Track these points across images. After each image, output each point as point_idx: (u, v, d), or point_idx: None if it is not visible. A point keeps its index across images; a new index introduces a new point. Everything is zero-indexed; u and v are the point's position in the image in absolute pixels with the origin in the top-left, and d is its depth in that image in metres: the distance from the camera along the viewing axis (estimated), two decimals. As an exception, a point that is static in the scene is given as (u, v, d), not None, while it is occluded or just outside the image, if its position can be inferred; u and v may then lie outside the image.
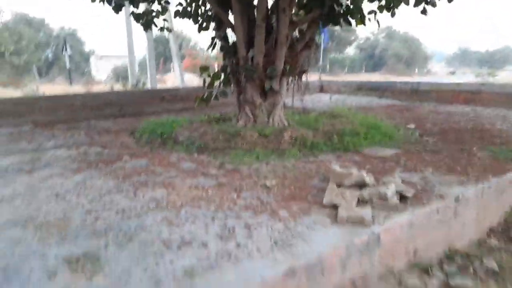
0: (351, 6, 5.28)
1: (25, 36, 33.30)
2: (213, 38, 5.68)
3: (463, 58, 78.51)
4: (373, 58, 53.46)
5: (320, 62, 13.25)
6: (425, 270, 2.63)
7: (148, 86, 12.88)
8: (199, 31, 5.96)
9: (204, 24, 5.87)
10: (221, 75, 5.86)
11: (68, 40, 44.55)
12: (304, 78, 6.32)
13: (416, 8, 5.45)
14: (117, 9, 6.03)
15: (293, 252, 2.03)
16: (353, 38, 50.16)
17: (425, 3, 5.51)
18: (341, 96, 10.23)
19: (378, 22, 5.39)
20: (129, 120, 6.91)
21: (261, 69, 5.31)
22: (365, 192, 2.72)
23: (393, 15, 6.08)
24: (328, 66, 45.99)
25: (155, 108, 7.89)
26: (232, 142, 4.66)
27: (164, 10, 6.72)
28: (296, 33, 5.97)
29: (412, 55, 53.07)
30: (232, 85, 5.85)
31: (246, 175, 3.42)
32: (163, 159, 4.00)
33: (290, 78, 6.09)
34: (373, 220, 2.41)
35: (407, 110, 7.74)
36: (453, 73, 49.44)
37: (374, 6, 5.61)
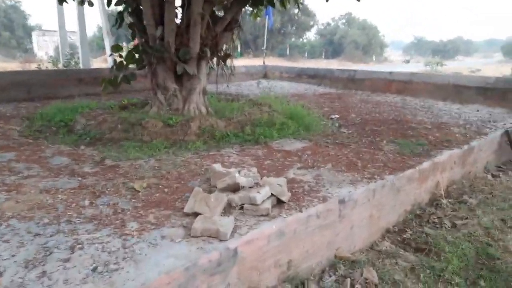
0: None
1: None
2: (120, 13, 5.05)
3: (419, 47, 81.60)
4: (332, 44, 54.00)
5: (264, 46, 12.86)
6: (301, 284, 2.38)
7: (80, 66, 11.86)
8: (108, 5, 5.31)
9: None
10: (134, 56, 5.29)
11: (9, 13, 40.92)
12: (229, 62, 5.91)
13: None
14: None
15: (112, 281, 1.64)
16: (312, 23, 50.16)
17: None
18: (280, 83, 9.95)
19: (298, 4, 5.04)
20: (34, 105, 6.16)
21: (172, 50, 4.82)
22: (236, 197, 2.39)
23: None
24: (288, 51, 45.87)
25: (70, 91, 7.14)
26: (131, 133, 4.18)
27: None
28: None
29: (369, 42, 54.17)
30: (146, 67, 5.32)
31: (121, 173, 2.98)
32: (35, 153, 3.45)
33: (213, 62, 5.66)
34: (233, 232, 2.08)
35: (339, 98, 7.59)
36: (407, 61, 51.07)
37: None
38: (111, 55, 5.14)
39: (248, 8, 6.55)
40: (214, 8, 5.24)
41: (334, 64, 37.52)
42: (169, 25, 4.69)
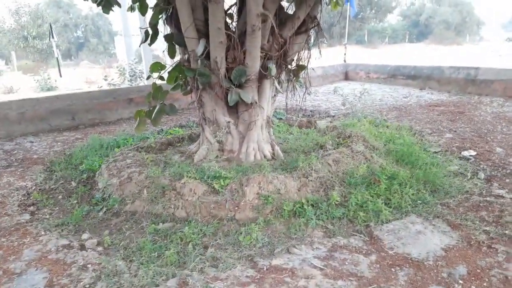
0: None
1: (49, 19, 32.60)
2: (153, 22, 3.68)
3: (521, 21, 69.73)
4: (418, 26, 48.49)
5: (346, 39, 10.75)
6: None
7: (144, 75, 11.18)
8: (143, 13, 4.00)
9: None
10: (177, 78, 3.93)
11: (96, 21, 44.07)
12: (303, 74, 4.25)
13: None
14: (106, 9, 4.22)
15: None
16: (394, 4, 45.50)
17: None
18: (369, 87, 7.92)
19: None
20: (75, 136, 5.23)
21: (222, 72, 3.34)
22: None
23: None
24: (366, 37, 42.00)
25: (120, 113, 6.17)
26: (160, 203, 2.82)
27: None
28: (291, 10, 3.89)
29: (462, 21, 47.50)
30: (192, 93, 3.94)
31: None
32: (6, 258, 2.23)
33: (281, 78, 4.05)
34: None
35: (460, 113, 5.41)
36: (510, 40, 43.54)
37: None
38: (148, 77, 3.83)
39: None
40: (281, 4, 3.62)
41: (420, 48, 33.22)
42: (215, 36, 3.21)
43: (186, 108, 6.79)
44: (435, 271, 1.96)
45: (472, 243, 2.19)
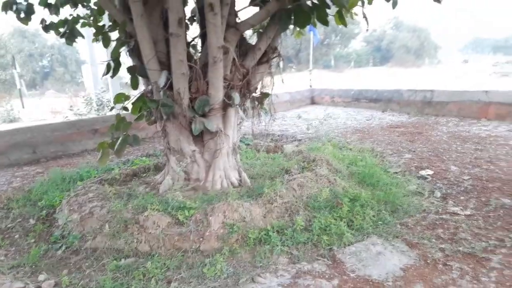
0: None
1: (12, 49, 31.84)
2: (114, 54, 3.69)
3: (475, 45, 74.99)
4: (380, 51, 51.07)
5: (310, 65, 11.16)
6: None
7: (111, 104, 11.04)
8: (105, 46, 4.02)
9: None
10: (141, 107, 3.91)
11: (63, 50, 43.41)
12: (267, 101, 4.35)
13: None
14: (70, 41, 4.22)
15: None
16: (357, 31, 47.85)
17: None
18: (333, 110, 8.19)
19: (366, 17, 3.39)
20: (36, 170, 5.04)
21: (185, 103, 3.38)
22: None
23: (394, 5, 4.12)
24: (332, 62, 43.66)
25: (84, 145, 6.02)
26: (123, 238, 2.75)
27: (93, 16, 4.71)
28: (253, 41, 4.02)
29: (421, 45, 50.62)
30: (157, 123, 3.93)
31: None
32: None
33: (246, 106, 4.14)
34: None
35: (418, 133, 5.69)
36: (466, 61, 46.42)
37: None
38: (112, 109, 3.81)
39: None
40: (243, 36, 3.75)
41: (383, 71, 34.80)
42: (178, 68, 3.26)
43: (152, 137, 6.73)
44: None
45: (428, 261, 2.27)
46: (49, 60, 44.66)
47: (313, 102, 9.99)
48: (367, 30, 3.50)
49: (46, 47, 44.31)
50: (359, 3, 3.48)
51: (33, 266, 2.54)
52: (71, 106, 11.55)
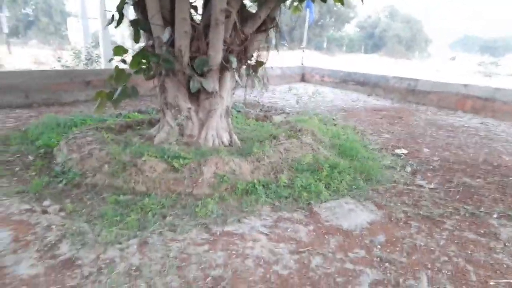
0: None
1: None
2: (120, 6, 3.80)
3: (465, 43, 76.06)
4: (373, 38, 51.12)
5: (304, 43, 11.30)
6: None
7: (102, 64, 10.91)
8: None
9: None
10: (140, 62, 4.06)
11: (47, -2, 41.41)
12: (261, 71, 4.56)
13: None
14: None
15: None
16: (352, 15, 47.60)
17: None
18: (322, 89, 8.46)
19: (363, -1, 3.61)
20: (28, 114, 5.14)
21: (185, 60, 3.56)
22: None
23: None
24: (325, 44, 43.57)
25: (75, 96, 6.09)
26: (121, 177, 2.98)
27: None
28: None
29: (413, 37, 50.95)
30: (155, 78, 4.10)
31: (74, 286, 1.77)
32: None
33: (241, 72, 4.34)
34: None
35: (399, 117, 6.05)
36: (453, 58, 47.21)
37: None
38: (110, 60, 3.94)
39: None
40: (243, 3, 3.91)
41: (374, 59, 35.10)
42: (181, 26, 3.42)
43: (145, 94, 6.84)
44: (360, 238, 2.35)
45: (392, 219, 2.63)
46: (34, 9, 42.63)
47: (303, 79, 10.22)
48: (363, 2, 3.72)
49: (31, -7, 42.17)
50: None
51: (37, 194, 2.75)
52: (59, 58, 11.34)
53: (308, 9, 9.87)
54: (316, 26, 44.89)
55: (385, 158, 3.97)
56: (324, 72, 9.70)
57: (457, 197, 3.06)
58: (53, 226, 2.27)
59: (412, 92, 7.52)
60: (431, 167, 3.79)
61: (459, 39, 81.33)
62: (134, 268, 1.93)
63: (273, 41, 4.62)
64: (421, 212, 2.75)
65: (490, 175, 3.58)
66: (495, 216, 2.71)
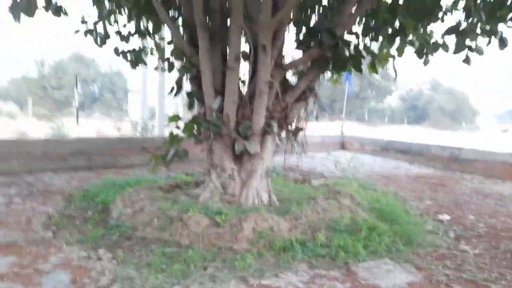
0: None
1: (70, 72, 34.85)
2: (178, 80, 4.42)
3: (515, 114, 73.06)
4: (416, 110, 50.99)
5: (343, 113, 11.70)
6: None
7: (156, 132, 11.95)
8: (169, 70, 4.78)
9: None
10: (192, 128, 4.54)
11: (113, 78, 46.85)
12: (300, 136, 4.84)
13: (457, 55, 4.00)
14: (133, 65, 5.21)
15: None
16: (393, 88, 48.40)
17: (469, 50, 4.06)
18: (362, 157, 8.54)
19: (395, 70, 3.91)
20: (90, 175, 5.72)
21: (231, 125, 3.96)
22: None
23: (426, 62, 4.65)
24: (366, 115, 44.04)
25: (132, 160, 6.71)
26: (168, 231, 3.22)
27: (158, 48, 5.55)
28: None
29: (458, 109, 50.13)
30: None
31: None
32: (35, 261, 2.62)
33: (281, 137, 4.66)
34: None
35: (442, 185, 5.93)
36: (505, 131, 45.29)
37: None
38: (167, 125, 4.45)
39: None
40: (285, 74, 4.37)
41: (418, 130, 34.62)
42: (230, 96, 3.89)
43: (192, 159, 7.32)
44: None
45: (432, 281, 2.57)
46: (100, 87, 48.04)
47: (342, 147, 10.39)
48: (395, 79, 4.00)
49: (99, 74, 47.90)
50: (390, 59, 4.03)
51: (94, 244, 3.04)
52: (118, 128, 12.58)
53: (347, 82, 10.41)
54: (357, 98, 45.93)
55: (426, 223, 3.89)
56: (364, 141, 9.85)
57: (504, 263, 2.92)
58: (106, 272, 2.50)
59: (455, 160, 7.36)
60: (476, 233, 3.65)
61: (507, 111, 78.44)
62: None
63: (314, 111, 5.00)
64: (463, 275, 2.66)
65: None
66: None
